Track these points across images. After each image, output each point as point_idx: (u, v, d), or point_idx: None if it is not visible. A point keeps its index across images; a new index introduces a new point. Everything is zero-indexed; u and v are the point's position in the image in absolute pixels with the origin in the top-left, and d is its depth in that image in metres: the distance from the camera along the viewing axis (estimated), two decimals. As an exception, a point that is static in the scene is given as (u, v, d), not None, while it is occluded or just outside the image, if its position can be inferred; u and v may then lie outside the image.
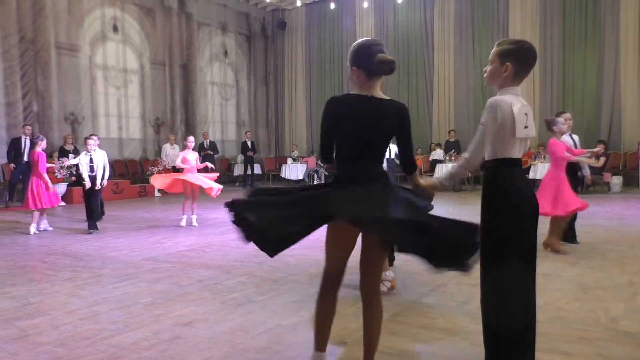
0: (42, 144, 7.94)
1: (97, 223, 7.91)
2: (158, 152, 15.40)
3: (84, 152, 7.89)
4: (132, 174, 14.61)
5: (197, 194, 8.38)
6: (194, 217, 8.34)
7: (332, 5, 17.68)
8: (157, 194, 13.83)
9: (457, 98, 16.18)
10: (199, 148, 15.36)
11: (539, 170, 12.57)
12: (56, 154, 11.84)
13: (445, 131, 15.84)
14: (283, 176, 16.88)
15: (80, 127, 13.61)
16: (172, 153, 14.59)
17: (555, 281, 4.55)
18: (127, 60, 15.15)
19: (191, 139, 8.82)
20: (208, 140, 15.39)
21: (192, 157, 8.40)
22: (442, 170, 13.72)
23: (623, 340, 3.15)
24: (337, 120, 2.51)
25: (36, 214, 7.72)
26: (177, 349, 3.13)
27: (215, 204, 11.45)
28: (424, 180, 2.65)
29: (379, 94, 2.54)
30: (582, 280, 4.57)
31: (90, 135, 8.39)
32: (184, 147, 8.89)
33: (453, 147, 14.50)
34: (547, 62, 14.87)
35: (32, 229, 7.66)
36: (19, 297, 4.30)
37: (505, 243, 2.51)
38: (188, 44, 16.87)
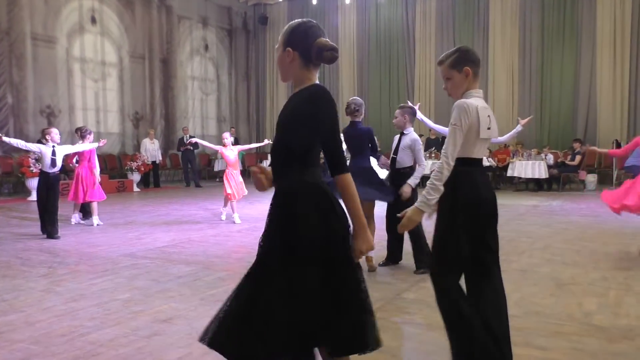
0: (90, 138, 7.81)
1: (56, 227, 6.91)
2: (137, 147, 15.19)
3: (48, 143, 7.18)
4: (110, 169, 14.37)
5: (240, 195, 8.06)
6: (236, 214, 8.06)
7: (314, 1, 17.64)
8: (135, 189, 13.65)
9: (437, 96, 16.30)
10: (179, 143, 15.21)
11: (517, 168, 12.76)
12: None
13: (426, 129, 15.94)
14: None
15: (56, 121, 13.33)
16: (151, 148, 14.42)
17: (531, 277, 4.63)
18: (105, 53, 14.88)
19: (226, 134, 8.33)
20: (188, 136, 15.20)
21: (230, 153, 7.99)
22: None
23: (596, 334, 3.22)
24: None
25: (77, 206, 8.06)
26: (155, 345, 3.10)
27: (196, 200, 11.36)
28: (407, 215, 2.55)
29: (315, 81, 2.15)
30: (557, 276, 4.66)
31: (51, 127, 8.01)
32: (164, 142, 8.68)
33: (434, 145, 14.61)
34: (526, 60, 15.09)
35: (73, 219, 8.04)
36: (-7, 294, 4.21)
37: (446, 251, 2.53)
38: (168, 37, 16.66)
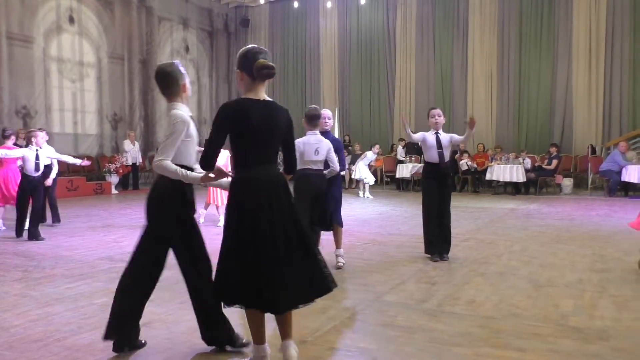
0: (10, 141, 7.64)
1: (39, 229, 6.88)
2: (115, 149, 15.00)
3: (31, 145, 7.08)
4: (87, 171, 14.13)
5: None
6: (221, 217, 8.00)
7: (296, 4, 17.66)
8: (114, 191, 13.47)
9: (417, 100, 16.45)
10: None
11: (496, 172, 12.93)
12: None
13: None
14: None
15: (32, 122, 13.07)
16: (132, 150, 14.21)
17: (509, 279, 4.69)
18: (83, 53, 14.66)
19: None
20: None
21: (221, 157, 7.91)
22: (403, 171, 13.92)
23: (572, 336, 3.28)
24: (238, 122, 2.65)
25: None
26: (134, 350, 3.06)
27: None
28: None
29: (264, 96, 2.75)
30: (534, 278, 4.73)
31: (39, 128, 7.83)
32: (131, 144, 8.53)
33: (414, 149, 14.69)
34: (504, 65, 15.31)
35: None
36: (-35, 298, 4.10)
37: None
38: (148, 38, 16.49)
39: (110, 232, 7.34)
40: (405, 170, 13.87)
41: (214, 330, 3.03)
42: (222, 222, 7.96)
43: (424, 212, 5.56)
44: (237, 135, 2.66)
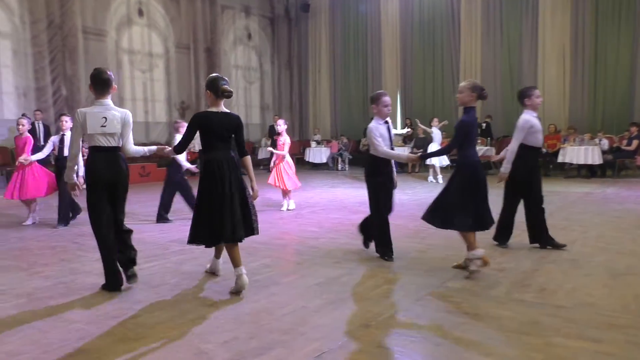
0: (182, 130, 7.86)
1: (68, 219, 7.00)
2: (183, 136, 15.53)
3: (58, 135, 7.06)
4: (158, 157, 14.79)
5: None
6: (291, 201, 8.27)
7: (357, -13, 17.43)
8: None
9: (484, 79, 15.79)
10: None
11: (569, 154, 12.28)
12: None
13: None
14: (307, 159, 16.90)
15: (107, 111, 13.79)
16: (198, 136, 14.65)
17: (583, 267, 4.46)
18: (152, 45, 15.26)
19: (280, 122, 8.41)
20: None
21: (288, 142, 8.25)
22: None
23: (654, 328, 3.07)
24: (204, 125, 3.99)
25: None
26: (203, 328, 3.18)
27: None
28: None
29: (224, 109, 4.07)
30: (611, 265, 4.47)
31: (62, 114, 7.69)
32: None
33: (480, 133, 14.21)
34: (578, 42, 14.40)
35: None
36: (52, 277, 4.42)
37: None
38: (212, 27, 16.88)
39: (179, 216, 7.63)
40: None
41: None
42: (285, 207, 8.09)
43: (527, 201, 5.22)
44: (203, 133, 3.99)
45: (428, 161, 11.83)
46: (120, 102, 14.35)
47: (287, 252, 5.32)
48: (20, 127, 7.13)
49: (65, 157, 6.36)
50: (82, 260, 5.02)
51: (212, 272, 4.47)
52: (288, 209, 8.07)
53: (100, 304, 3.69)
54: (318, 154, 16.57)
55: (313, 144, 17.12)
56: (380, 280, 4.17)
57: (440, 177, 11.90)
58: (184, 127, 7.58)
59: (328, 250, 5.29)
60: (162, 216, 7.36)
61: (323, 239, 5.84)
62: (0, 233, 6.52)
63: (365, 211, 5.10)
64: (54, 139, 7.15)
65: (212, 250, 4.41)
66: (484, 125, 14.29)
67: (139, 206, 8.71)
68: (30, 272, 4.59)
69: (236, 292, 3.87)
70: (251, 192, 4.11)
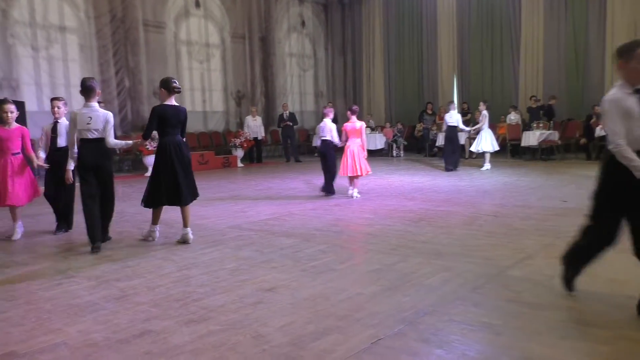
0: (330, 115, 8.30)
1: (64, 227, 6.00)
2: (240, 124, 15.85)
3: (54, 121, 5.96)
4: (216, 145, 15.19)
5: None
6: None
7: (411, -32, 17.02)
8: (239, 164, 14.30)
9: (546, 60, 15.09)
10: (279, 119, 15.61)
11: None
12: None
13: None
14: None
15: (167, 101, 14.26)
16: (253, 124, 14.94)
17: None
18: (209, 35, 15.60)
19: (329, 110, 8.54)
20: (287, 112, 15.54)
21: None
22: (529, 139, 13.00)
23: None
24: (161, 116, 5.16)
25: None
26: (261, 313, 3.26)
27: (296, 174, 11.66)
28: None
29: (174, 102, 5.27)
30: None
31: (56, 97, 6.21)
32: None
33: (540, 114, 13.60)
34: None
35: None
36: (118, 261, 4.66)
37: None
38: (266, 15, 17.02)
39: (237, 203, 7.83)
40: (532, 138, 12.93)
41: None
42: (356, 193, 8.00)
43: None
44: (159, 122, 5.14)
45: (481, 148, 11.41)
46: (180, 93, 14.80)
47: (343, 239, 5.34)
48: (56, 109, 5.89)
49: (60, 148, 5.77)
50: (145, 245, 5.25)
51: (146, 239, 5.44)
52: (356, 195, 7.99)
53: (164, 286, 3.85)
54: (372, 140, 16.46)
55: (367, 130, 16.99)
56: (437, 267, 4.11)
57: (488, 164, 11.43)
58: (331, 112, 8.42)
59: (383, 237, 5.27)
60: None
61: (378, 226, 5.81)
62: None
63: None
64: (47, 128, 5.95)
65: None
66: (546, 107, 13.68)
67: (199, 191, 8.96)
68: (98, 256, 4.85)
69: (183, 241, 5.22)
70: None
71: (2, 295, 3.75)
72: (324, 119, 8.30)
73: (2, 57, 11.53)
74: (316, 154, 14.71)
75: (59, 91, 12.31)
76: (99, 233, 5.04)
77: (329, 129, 8.16)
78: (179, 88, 5.25)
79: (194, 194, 5.37)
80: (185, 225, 5.26)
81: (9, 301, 3.62)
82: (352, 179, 8.03)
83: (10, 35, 11.67)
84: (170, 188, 5.13)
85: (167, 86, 5.21)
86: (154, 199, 5.22)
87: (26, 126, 6.02)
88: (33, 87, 12.07)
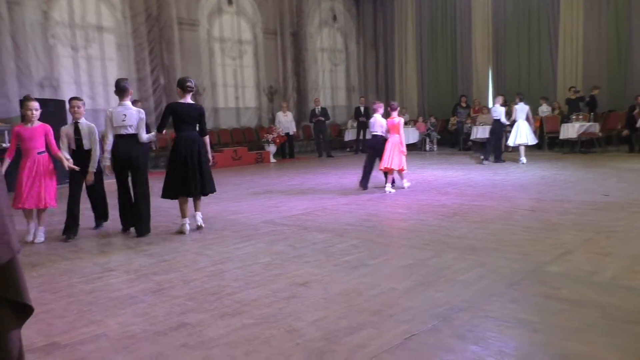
0: (380, 110, 8.37)
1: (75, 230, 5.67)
2: (272, 120, 15.95)
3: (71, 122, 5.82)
4: (249, 141, 15.34)
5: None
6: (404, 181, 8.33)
7: (445, -41, 16.71)
8: (272, 160, 14.39)
9: (586, 49, 14.57)
10: (311, 114, 15.63)
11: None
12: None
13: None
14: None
15: (201, 98, 14.48)
16: (284, 120, 15.02)
17: None
18: (241, 32, 15.74)
19: (380, 106, 8.52)
20: (319, 107, 15.55)
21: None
22: (568, 131, 12.62)
23: None
24: (173, 112, 5.62)
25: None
26: (294, 307, 3.28)
27: (328, 169, 11.67)
28: None
29: (189, 100, 5.68)
30: None
31: (76, 97, 5.97)
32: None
33: (579, 105, 13.17)
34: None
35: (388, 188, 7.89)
36: (155, 255, 4.76)
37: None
38: (298, 10, 17.04)
39: (270, 198, 7.89)
40: (571, 130, 12.54)
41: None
42: (389, 188, 7.98)
43: None
44: (173, 119, 5.59)
45: (517, 141, 11.13)
46: (212, 89, 15.03)
47: (376, 234, 5.32)
48: (75, 109, 5.67)
49: (85, 150, 5.65)
50: (181, 240, 5.36)
51: (180, 232, 5.65)
52: (394, 189, 8.02)
53: (199, 280, 3.92)
54: (405, 134, 16.27)
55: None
56: (471, 263, 4.05)
57: (524, 158, 11.10)
58: (381, 107, 8.47)
59: (416, 232, 5.22)
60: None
61: (411, 221, 5.76)
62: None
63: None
64: (67, 129, 5.74)
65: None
66: (588, 98, 13.24)
67: (232, 187, 9.10)
68: (136, 251, 4.97)
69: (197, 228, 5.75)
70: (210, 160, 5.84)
71: (45, 288, 3.89)
72: (374, 115, 8.44)
73: (44, 58, 11.91)
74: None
75: (98, 90, 12.66)
76: (129, 220, 5.77)
77: (379, 124, 8.28)
78: (193, 87, 5.70)
79: (204, 188, 5.66)
80: (196, 209, 5.80)
81: (52, 293, 3.76)
82: (387, 173, 8.03)
83: (51, 36, 12.05)
84: (181, 180, 5.54)
85: (182, 85, 5.67)
86: (168, 191, 5.63)
87: (66, 125, 6.10)
88: (73, 86, 12.42)
